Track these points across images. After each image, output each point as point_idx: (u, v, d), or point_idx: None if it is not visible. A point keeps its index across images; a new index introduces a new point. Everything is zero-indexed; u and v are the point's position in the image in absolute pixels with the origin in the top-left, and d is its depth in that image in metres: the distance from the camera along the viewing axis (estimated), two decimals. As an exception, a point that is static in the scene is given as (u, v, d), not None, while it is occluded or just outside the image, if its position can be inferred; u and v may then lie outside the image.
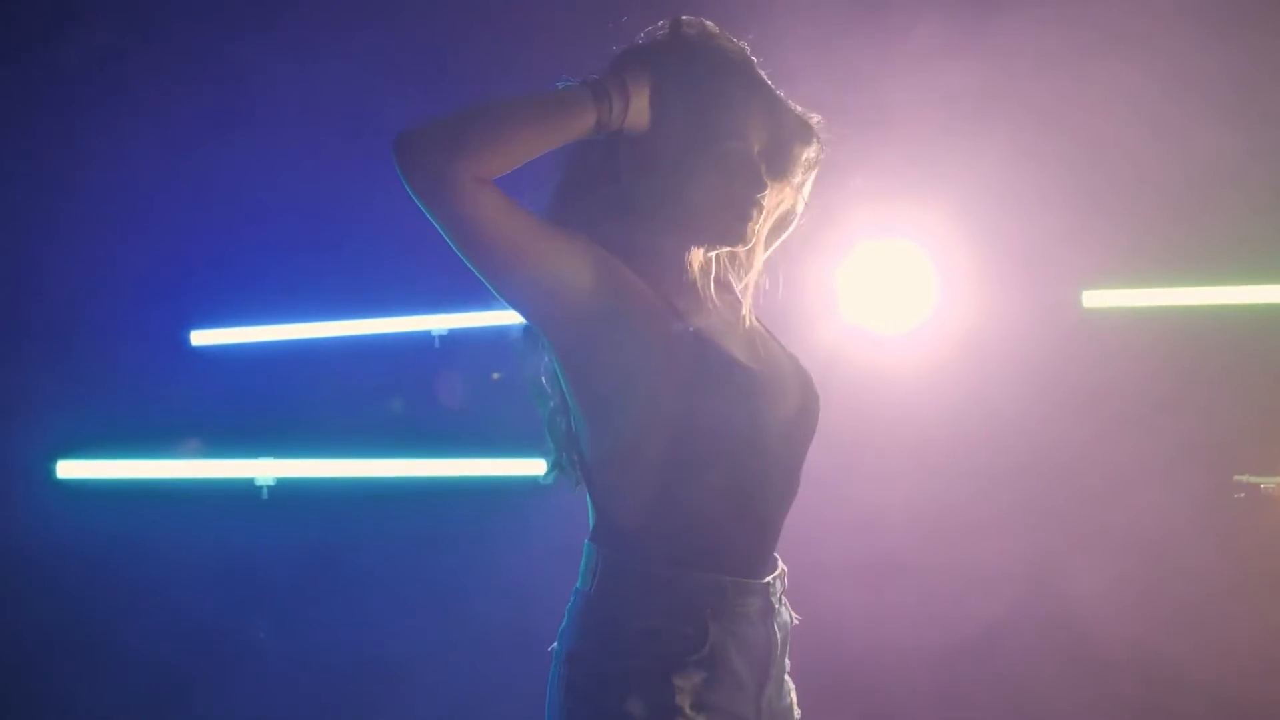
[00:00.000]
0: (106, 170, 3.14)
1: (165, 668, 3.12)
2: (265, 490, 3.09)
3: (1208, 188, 2.77)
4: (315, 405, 3.14)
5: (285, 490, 3.13)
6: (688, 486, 1.40)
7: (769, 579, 1.46)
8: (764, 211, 1.46)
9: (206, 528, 3.14)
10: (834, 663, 2.84)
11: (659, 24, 1.47)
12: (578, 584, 1.47)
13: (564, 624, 1.46)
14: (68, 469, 3.23)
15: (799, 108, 1.49)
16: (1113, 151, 2.76)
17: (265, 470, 3.14)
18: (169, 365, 3.21)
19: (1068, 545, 2.84)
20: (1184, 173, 2.76)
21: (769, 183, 1.44)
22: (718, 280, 1.54)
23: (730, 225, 1.45)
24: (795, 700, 1.53)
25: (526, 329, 1.48)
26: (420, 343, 3.11)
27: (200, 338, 3.24)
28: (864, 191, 2.85)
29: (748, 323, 1.51)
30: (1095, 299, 2.85)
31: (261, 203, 3.15)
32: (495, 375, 2.98)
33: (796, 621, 1.54)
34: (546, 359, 1.47)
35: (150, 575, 3.14)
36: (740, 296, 1.53)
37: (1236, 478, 2.66)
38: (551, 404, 1.50)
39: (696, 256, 1.47)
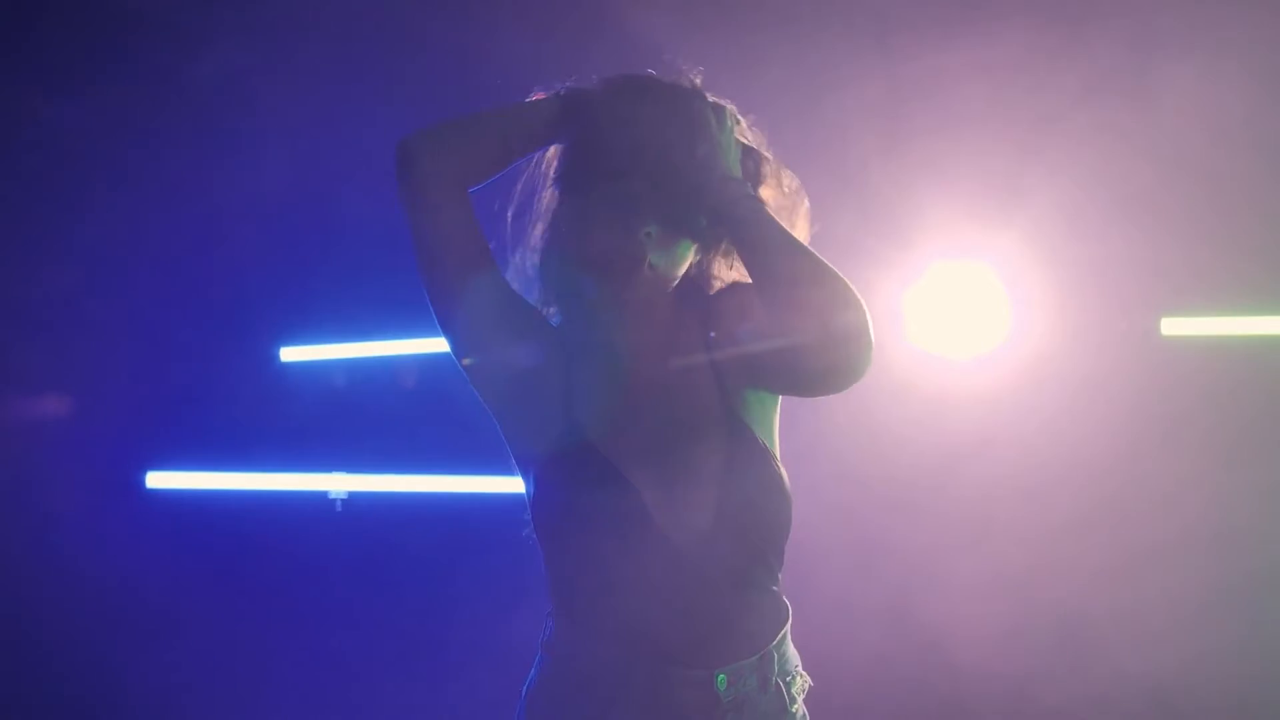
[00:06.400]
0: (203, 191, 3.26)
1: (244, 668, 3.23)
2: (338, 503, 3.17)
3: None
4: (392, 420, 3.20)
5: (358, 503, 3.21)
6: (574, 567, 1.38)
7: (718, 672, 1.34)
8: (648, 243, 1.32)
9: (284, 537, 3.23)
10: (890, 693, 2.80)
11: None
12: None
13: None
14: (157, 479, 3.37)
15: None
16: (1194, 172, 2.64)
17: (339, 484, 3.21)
18: (258, 381, 3.32)
19: (1144, 584, 2.71)
20: (1269, 194, 2.65)
21: (650, 209, 1.32)
22: (684, 312, 1.45)
23: (612, 262, 1.34)
24: None
25: None
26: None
27: (290, 354, 3.35)
28: (935, 212, 2.81)
29: (697, 379, 1.42)
30: (1174, 326, 2.73)
31: (351, 224, 3.22)
32: None
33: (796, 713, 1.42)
34: None
35: (231, 580, 3.25)
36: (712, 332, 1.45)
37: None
38: None
39: (616, 298, 1.39)
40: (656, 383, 1.42)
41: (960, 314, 2.84)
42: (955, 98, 2.78)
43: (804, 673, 1.47)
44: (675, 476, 1.35)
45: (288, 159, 3.18)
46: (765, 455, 1.39)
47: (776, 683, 1.39)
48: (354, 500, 3.21)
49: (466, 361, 1.43)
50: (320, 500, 3.22)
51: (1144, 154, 2.67)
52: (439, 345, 3.08)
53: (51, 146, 3.29)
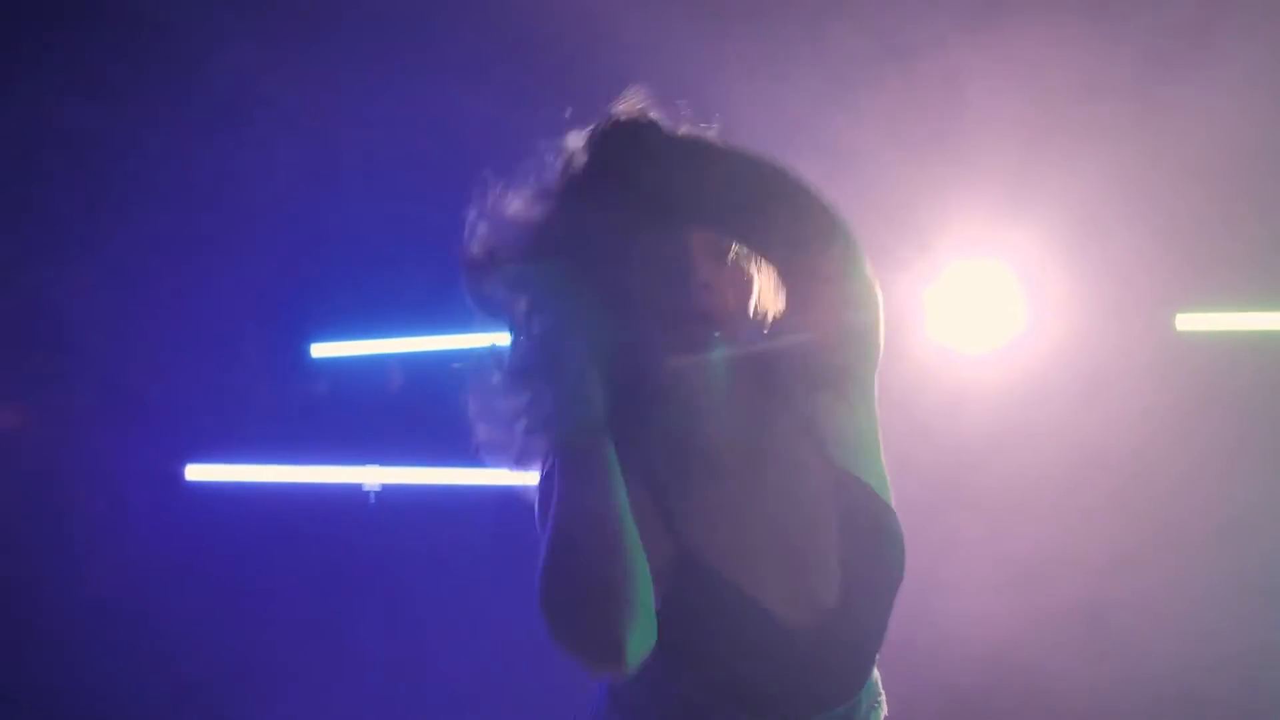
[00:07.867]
0: (236, 192, 3.31)
1: (280, 657, 3.30)
2: (373, 495, 3.25)
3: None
4: (425, 413, 3.26)
5: (391, 495, 3.28)
6: (679, 661, 1.20)
7: None
8: (708, 314, 1.20)
9: (319, 528, 3.30)
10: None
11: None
12: None
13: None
14: (196, 472, 3.46)
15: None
16: (1207, 170, 2.68)
17: (373, 477, 3.29)
18: (290, 376, 3.39)
19: (1158, 576, 2.76)
20: (1282, 192, 2.69)
21: (704, 284, 1.20)
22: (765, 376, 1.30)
23: (697, 307, 1.21)
24: None
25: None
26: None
27: (320, 350, 3.42)
28: (953, 211, 2.85)
29: (782, 448, 1.27)
30: (1189, 322, 2.77)
31: (380, 222, 3.29)
32: None
33: None
34: None
35: (267, 570, 3.32)
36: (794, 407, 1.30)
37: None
38: None
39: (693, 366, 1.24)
40: (747, 461, 1.28)
41: (978, 311, 2.89)
42: (972, 99, 2.82)
43: (882, 699, 1.38)
44: (792, 564, 1.23)
45: (317, 157, 3.23)
46: (876, 500, 1.30)
47: None
48: (388, 492, 3.28)
49: None
50: (355, 492, 3.29)
51: (1159, 152, 2.70)
52: (468, 340, 3.21)
53: (84, 151, 3.33)
